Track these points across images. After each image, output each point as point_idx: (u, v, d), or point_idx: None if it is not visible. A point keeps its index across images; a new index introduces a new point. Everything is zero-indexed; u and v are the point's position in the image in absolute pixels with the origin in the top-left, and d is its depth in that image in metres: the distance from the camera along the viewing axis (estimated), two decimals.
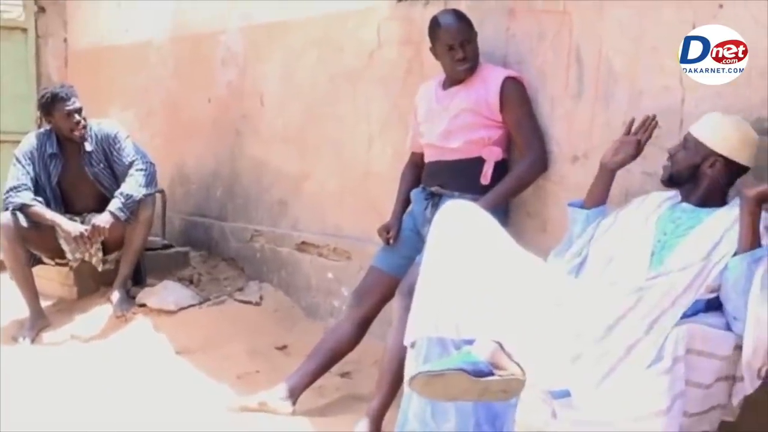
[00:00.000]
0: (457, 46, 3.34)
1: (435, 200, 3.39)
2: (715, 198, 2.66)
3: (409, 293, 3.00)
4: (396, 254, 3.46)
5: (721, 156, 2.62)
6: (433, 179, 3.46)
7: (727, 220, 2.52)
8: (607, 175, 2.91)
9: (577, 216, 2.93)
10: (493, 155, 3.35)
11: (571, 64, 3.29)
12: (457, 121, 3.37)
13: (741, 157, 2.63)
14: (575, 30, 3.27)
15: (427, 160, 3.53)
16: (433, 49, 3.44)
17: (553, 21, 3.34)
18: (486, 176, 3.35)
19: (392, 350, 3.12)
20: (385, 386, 3.17)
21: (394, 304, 3.23)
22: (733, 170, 2.65)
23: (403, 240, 3.47)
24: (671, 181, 2.73)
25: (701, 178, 2.66)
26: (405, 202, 3.59)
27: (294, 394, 3.39)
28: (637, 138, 2.88)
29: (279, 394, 3.37)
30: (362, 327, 3.49)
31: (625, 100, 3.10)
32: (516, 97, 3.32)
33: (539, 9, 3.39)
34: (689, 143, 2.68)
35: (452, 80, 3.43)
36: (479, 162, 3.35)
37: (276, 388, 3.39)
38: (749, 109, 2.74)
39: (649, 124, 2.87)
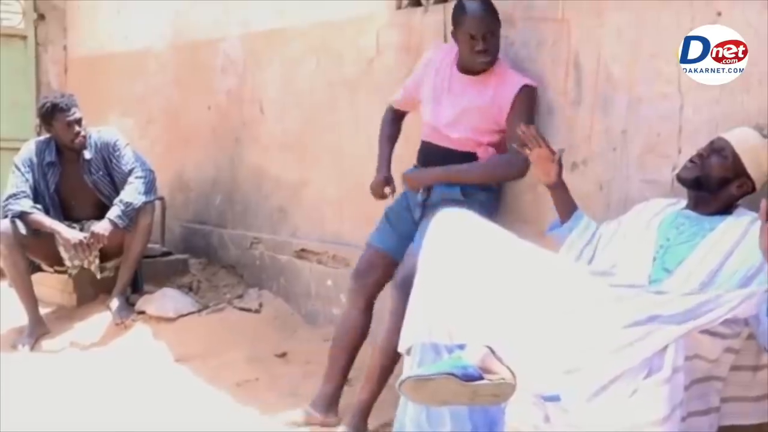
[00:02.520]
0: (479, 37, 3.23)
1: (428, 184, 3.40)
2: (722, 211, 2.65)
3: (403, 285, 3.03)
4: (392, 232, 3.44)
5: (751, 181, 2.62)
6: (426, 161, 3.44)
7: (736, 231, 2.51)
8: (556, 192, 2.98)
9: (562, 235, 2.97)
10: (486, 155, 3.36)
11: (569, 71, 3.29)
12: (464, 116, 3.33)
13: (760, 182, 2.63)
14: (574, 37, 3.28)
15: (423, 138, 3.48)
16: (454, 34, 3.33)
17: (551, 28, 3.35)
18: None
19: (384, 343, 3.12)
20: (374, 379, 3.19)
21: (390, 297, 3.22)
22: (748, 193, 2.65)
23: (399, 218, 3.45)
24: (696, 183, 2.65)
25: (723, 194, 2.63)
26: (390, 155, 3.61)
27: (334, 405, 3.38)
28: (546, 151, 2.91)
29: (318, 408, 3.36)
30: (369, 310, 3.43)
31: (624, 107, 3.11)
32: (524, 105, 3.27)
33: (538, 16, 3.40)
34: (726, 153, 2.62)
35: (469, 71, 3.35)
36: (472, 158, 3.34)
37: (312, 402, 3.37)
38: (747, 117, 2.74)
39: (533, 134, 2.91)
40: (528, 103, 3.29)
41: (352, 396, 3.50)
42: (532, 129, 2.95)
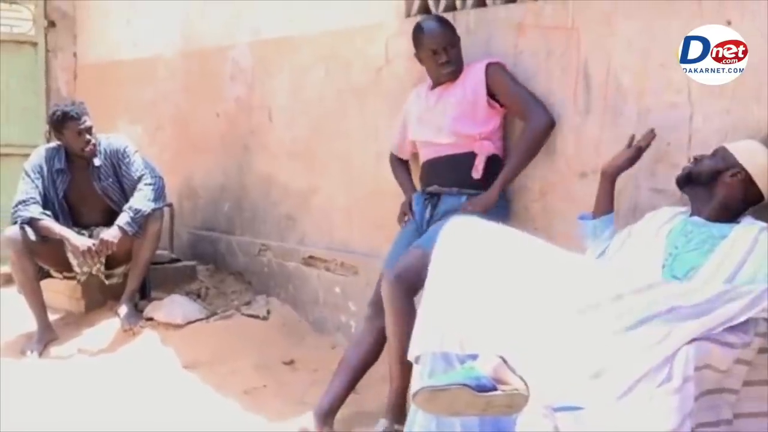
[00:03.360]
0: (440, 50, 3.43)
1: (434, 200, 3.47)
2: (727, 214, 2.66)
3: (400, 280, 3.10)
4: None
5: (744, 170, 2.63)
6: (429, 178, 3.53)
7: (747, 238, 2.53)
8: (607, 182, 3.00)
9: (585, 230, 2.99)
10: (484, 150, 3.40)
11: (579, 80, 3.29)
12: (446, 117, 3.45)
13: (761, 181, 2.64)
14: (583, 46, 3.28)
15: (423, 159, 3.60)
16: (418, 55, 3.54)
17: (561, 37, 3.35)
18: (477, 170, 3.41)
19: (398, 343, 3.14)
20: (398, 375, 3.22)
21: (383, 290, 3.25)
22: (750, 192, 2.66)
23: (409, 242, 3.47)
24: (688, 179, 2.72)
25: (719, 187, 2.66)
26: (410, 177, 3.76)
27: (330, 418, 3.37)
28: (638, 145, 2.96)
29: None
30: (383, 337, 3.41)
31: (634, 116, 3.11)
32: (500, 75, 3.40)
33: (547, 25, 3.40)
34: (718, 153, 2.70)
35: (438, 83, 3.52)
36: (472, 157, 3.40)
37: (307, 416, 3.36)
38: (757, 126, 2.74)
39: (650, 137, 2.95)
40: (502, 72, 3.41)
41: (359, 404, 3.51)
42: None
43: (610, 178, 3.00)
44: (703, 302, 2.26)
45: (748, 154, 2.65)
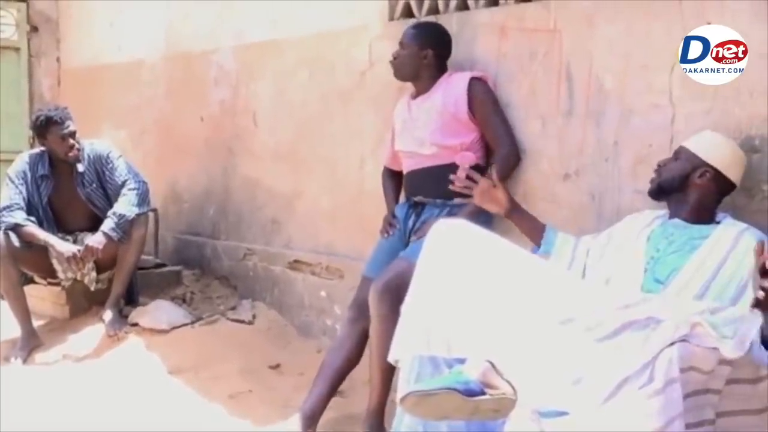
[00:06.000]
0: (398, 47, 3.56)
1: (417, 210, 3.48)
2: (705, 213, 2.67)
3: (388, 289, 3.11)
4: (385, 262, 3.44)
5: (711, 167, 2.65)
6: (413, 189, 3.54)
7: (729, 238, 2.54)
8: (514, 216, 3.05)
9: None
10: (466, 160, 3.35)
11: (561, 82, 3.30)
12: (428, 128, 3.45)
13: (730, 172, 2.66)
14: (565, 48, 3.29)
15: (405, 170, 3.60)
16: None
17: (543, 39, 3.36)
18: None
19: (382, 350, 3.09)
20: (379, 385, 3.22)
21: (370, 300, 3.23)
22: (722, 185, 2.67)
23: (391, 247, 3.48)
24: (660, 190, 2.74)
25: (690, 190, 2.67)
26: (395, 193, 3.74)
27: (313, 422, 3.35)
28: (484, 182, 3.03)
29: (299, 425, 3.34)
30: (364, 339, 3.43)
31: (616, 117, 3.12)
32: (482, 95, 3.41)
33: (529, 28, 3.41)
34: (681, 155, 2.71)
35: (418, 90, 3.55)
36: (454, 167, 3.34)
37: (293, 419, 3.35)
38: (738, 127, 2.76)
39: (461, 179, 3.08)
40: (483, 92, 3.42)
41: (344, 408, 3.51)
42: (460, 175, 3.10)
43: (512, 209, 3.05)
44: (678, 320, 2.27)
45: (710, 150, 2.66)
